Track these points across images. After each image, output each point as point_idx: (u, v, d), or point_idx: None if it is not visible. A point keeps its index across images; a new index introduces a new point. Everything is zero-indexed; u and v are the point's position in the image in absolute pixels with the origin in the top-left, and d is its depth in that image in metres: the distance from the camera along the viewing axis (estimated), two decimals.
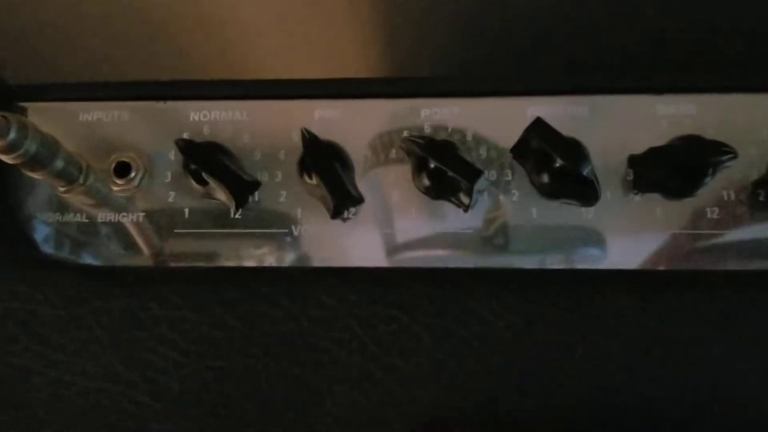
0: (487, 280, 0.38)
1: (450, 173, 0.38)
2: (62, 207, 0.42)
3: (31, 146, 0.36)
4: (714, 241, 0.39)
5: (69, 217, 0.42)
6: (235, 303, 0.37)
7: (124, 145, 0.43)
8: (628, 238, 0.40)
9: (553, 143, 0.37)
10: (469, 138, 0.41)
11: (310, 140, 0.39)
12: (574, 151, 0.38)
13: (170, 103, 0.43)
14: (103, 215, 0.42)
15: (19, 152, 0.36)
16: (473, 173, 0.37)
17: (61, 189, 0.42)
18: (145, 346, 0.37)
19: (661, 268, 0.39)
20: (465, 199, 0.39)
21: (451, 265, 0.40)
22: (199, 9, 0.50)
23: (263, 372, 0.36)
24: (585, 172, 0.37)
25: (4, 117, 0.35)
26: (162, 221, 0.41)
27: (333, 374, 0.36)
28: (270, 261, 0.40)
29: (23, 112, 0.44)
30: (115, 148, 0.43)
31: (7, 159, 0.36)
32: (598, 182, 0.38)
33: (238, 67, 0.48)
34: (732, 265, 0.39)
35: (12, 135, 0.35)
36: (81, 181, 0.42)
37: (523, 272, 0.38)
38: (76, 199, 0.42)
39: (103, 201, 0.42)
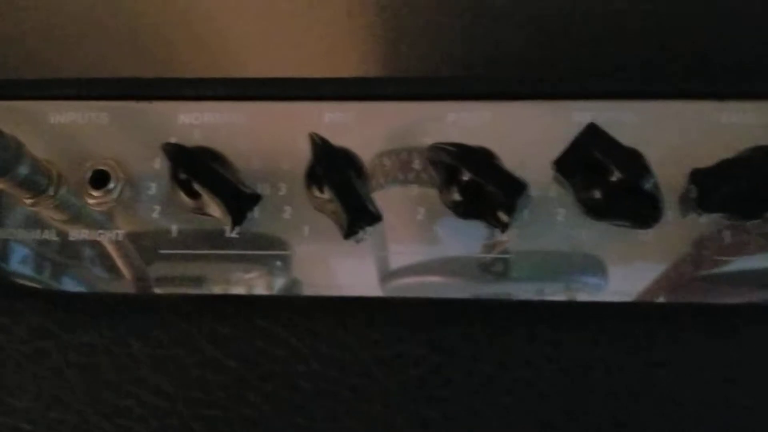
0: (527, 314, 0.32)
1: (488, 187, 0.32)
2: (27, 222, 0.36)
3: None
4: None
5: (35, 234, 0.36)
6: (230, 339, 0.31)
7: (102, 152, 0.37)
8: (687, 265, 0.34)
9: (611, 153, 0.32)
10: (501, 147, 0.35)
11: (322, 147, 0.34)
12: (635, 162, 0.32)
13: (156, 104, 0.37)
14: (76, 232, 0.36)
15: None
16: (516, 187, 0.32)
17: (27, 201, 0.36)
18: (123, 391, 0.30)
19: (732, 301, 0.33)
20: (504, 217, 0.33)
21: (484, 295, 0.34)
22: (185, 4, 0.44)
23: (263, 423, 0.30)
24: (647, 187, 0.32)
25: None
26: (145, 240, 0.35)
27: (348, 427, 0.30)
28: (271, 289, 0.34)
29: None
30: (91, 154, 0.37)
31: None
32: (660, 199, 0.33)
33: (233, 64, 0.42)
34: None
35: None
36: (51, 192, 0.36)
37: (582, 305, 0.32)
38: (45, 213, 0.36)
39: (77, 216, 0.36)
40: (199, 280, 0.34)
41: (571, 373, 0.31)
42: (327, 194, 0.33)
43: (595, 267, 0.34)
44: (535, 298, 0.34)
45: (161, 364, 0.31)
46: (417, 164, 0.36)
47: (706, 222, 0.34)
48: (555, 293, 0.34)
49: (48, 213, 0.36)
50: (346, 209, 0.32)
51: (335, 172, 0.33)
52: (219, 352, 0.31)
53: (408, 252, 0.35)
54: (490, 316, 0.33)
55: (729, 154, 0.35)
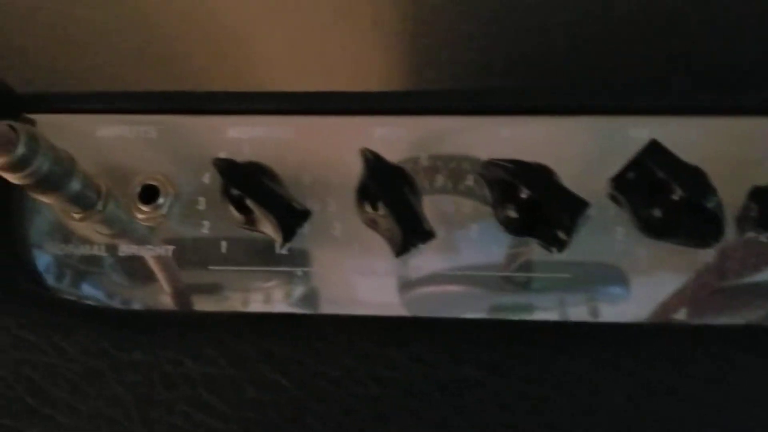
0: (587, 334, 0.31)
1: (548, 205, 0.31)
2: (76, 238, 0.36)
3: (42, 164, 0.30)
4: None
5: (84, 250, 0.35)
6: (286, 359, 0.30)
7: (151, 166, 0.36)
8: (750, 287, 0.33)
9: (673, 171, 0.31)
10: (555, 163, 0.35)
11: (375, 162, 0.33)
12: (698, 180, 0.31)
13: (205, 118, 0.37)
14: (125, 248, 0.35)
15: (28, 170, 0.29)
16: (578, 206, 0.31)
17: (76, 216, 0.35)
18: (176, 410, 0.30)
19: None
20: (563, 236, 0.32)
21: (541, 317, 0.33)
22: (233, 18, 0.44)
23: None
24: (710, 206, 0.31)
25: (11, 127, 0.29)
26: (194, 256, 0.35)
27: None
28: (324, 307, 0.33)
29: (32, 124, 0.37)
30: (139, 169, 0.36)
31: (13, 178, 0.30)
32: (723, 218, 0.32)
33: (269, 78, 0.42)
34: None
35: (21, 150, 0.29)
36: (99, 207, 0.35)
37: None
38: (92, 228, 0.36)
39: (125, 231, 0.36)
40: (250, 297, 0.34)
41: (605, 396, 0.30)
42: (381, 211, 0.33)
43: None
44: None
45: (215, 384, 0.30)
46: (469, 179, 0.35)
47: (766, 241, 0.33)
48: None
49: (96, 228, 0.36)
50: (401, 226, 0.32)
51: (390, 188, 0.32)
52: (274, 372, 0.30)
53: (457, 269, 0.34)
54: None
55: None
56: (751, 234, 0.34)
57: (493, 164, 0.33)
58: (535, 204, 0.32)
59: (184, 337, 0.31)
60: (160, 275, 0.35)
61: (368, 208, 0.34)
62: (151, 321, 0.32)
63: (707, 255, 0.34)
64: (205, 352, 0.30)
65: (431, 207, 0.34)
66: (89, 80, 0.38)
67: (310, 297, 0.34)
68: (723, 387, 0.31)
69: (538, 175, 0.32)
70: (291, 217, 0.34)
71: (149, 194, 0.35)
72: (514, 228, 0.34)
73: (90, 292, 0.34)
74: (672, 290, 0.34)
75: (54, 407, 0.30)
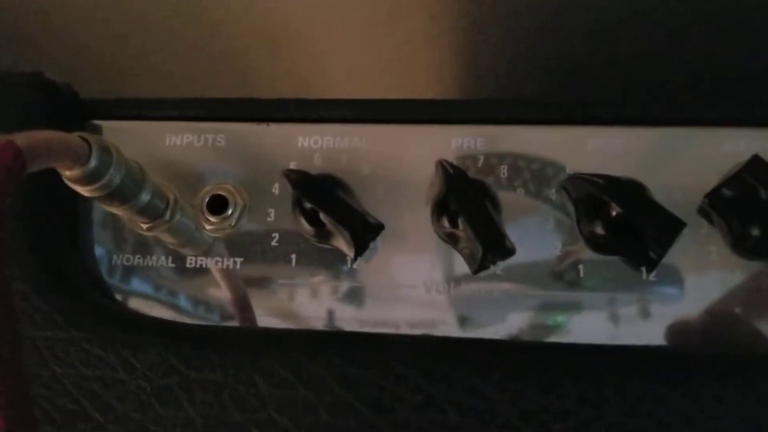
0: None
1: (642, 225, 0.29)
2: (143, 248, 0.35)
3: (114, 177, 0.29)
4: None
5: (151, 261, 0.34)
6: (361, 381, 0.29)
7: (219, 176, 0.35)
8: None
9: None
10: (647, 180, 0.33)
11: (456, 176, 0.31)
12: None
13: (275, 126, 0.36)
14: (192, 260, 0.34)
15: (100, 183, 0.29)
16: (674, 226, 0.29)
17: (144, 226, 0.34)
18: None
19: None
20: (655, 257, 0.30)
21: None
22: (290, 26, 0.43)
23: None
24: None
25: (84, 139, 0.28)
26: (264, 269, 0.34)
27: None
28: (401, 326, 0.32)
29: (98, 131, 0.37)
30: (208, 178, 0.35)
31: (84, 191, 0.29)
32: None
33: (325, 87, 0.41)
34: None
35: (93, 163, 0.28)
36: (167, 217, 0.34)
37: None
38: (160, 238, 0.35)
39: (192, 242, 0.35)
40: (321, 315, 0.33)
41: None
42: (461, 225, 0.31)
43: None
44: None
45: (288, 406, 0.29)
46: (551, 186, 0.33)
47: None
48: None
49: (163, 238, 0.35)
50: (481, 242, 0.30)
51: (470, 202, 0.31)
52: (350, 394, 0.29)
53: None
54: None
55: None
56: None
57: (579, 178, 0.31)
58: (624, 222, 0.30)
59: (257, 356, 0.30)
60: (225, 288, 0.34)
61: (446, 223, 0.32)
62: (222, 338, 0.31)
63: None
64: (278, 372, 0.29)
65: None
66: (157, 87, 0.37)
67: (387, 316, 0.32)
68: None
69: (630, 192, 0.30)
70: (364, 231, 0.32)
71: (218, 204, 0.34)
72: (600, 245, 0.32)
73: (158, 306, 0.33)
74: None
75: (120, 424, 0.29)
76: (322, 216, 0.31)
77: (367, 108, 0.35)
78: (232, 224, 0.34)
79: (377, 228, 0.33)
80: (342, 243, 0.32)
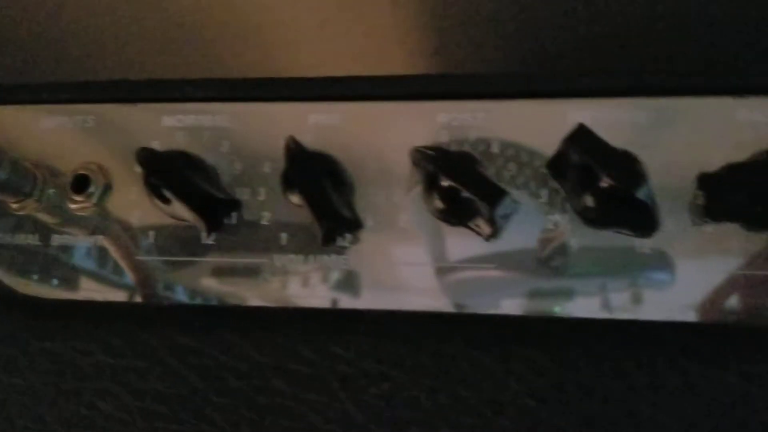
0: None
1: (466, 194, 0.30)
2: (11, 226, 0.36)
3: None
4: None
5: (18, 239, 0.36)
6: (193, 352, 0.30)
7: (87, 156, 0.36)
8: (691, 280, 0.31)
9: (599, 157, 0.29)
10: (495, 149, 0.33)
11: (295, 151, 0.32)
12: (626, 166, 0.29)
13: (142, 106, 0.36)
14: (57, 237, 0.35)
15: None
16: (494, 194, 0.29)
17: (13, 206, 0.36)
18: (84, 401, 0.30)
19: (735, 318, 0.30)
20: (485, 227, 0.31)
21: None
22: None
23: None
24: (640, 194, 0.29)
25: None
26: (122, 246, 0.35)
27: None
28: (246, 298, 0.33)
29: None
30: (77, 158, 0.36)
31: None
32: (655, 207, 0.30)
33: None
34: None
35: None
36: (36, 196, 0.35)
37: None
38: (32, 217, 0.36)
39: (64, 220, 0.36)
40: (169, 288, 0.33)
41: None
42: (299, 200, 0.32)
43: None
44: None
45: (122, 375, 0.30)
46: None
47: (713, 231, 0.31)
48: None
49: (35, 217, 0.36)
50: (317, 216, 0.31)
51: (308, 177, 0.31)
52: (181, 365, 0.30)
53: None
54: None
55: (744, 155, 0.31)
56: (701, 224, 0.32)
57: (419, 151, 0.32)
58: (457, 193, 0.31)
59: (97, 328, 0.30)
60: (89, 265, 0.35)
61: (291, 197, 0.33)
62: (69, 311, 0.32)
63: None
64: (114, 343, 0.30)
65: None
66: (30, 72, 0.38)
67: (233, 290, 0.33)
68: None
69: (459, 164, 0.31)
70: (214, 207, 0.33)
71: (81, 183, 0.35)
72: (445, 217, 0.32)
73: (17, 280, 0.34)
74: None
75: None
76: (165, 192, 0.32)
77: (230, 87, 0.36)
78: (95, 202, 0.35)
79: (231, 204, 0.34)
80: (192, 219, 0.33)
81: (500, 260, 0.32)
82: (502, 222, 0.31)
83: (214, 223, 0.33)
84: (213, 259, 0.34)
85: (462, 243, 0.32)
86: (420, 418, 0.28)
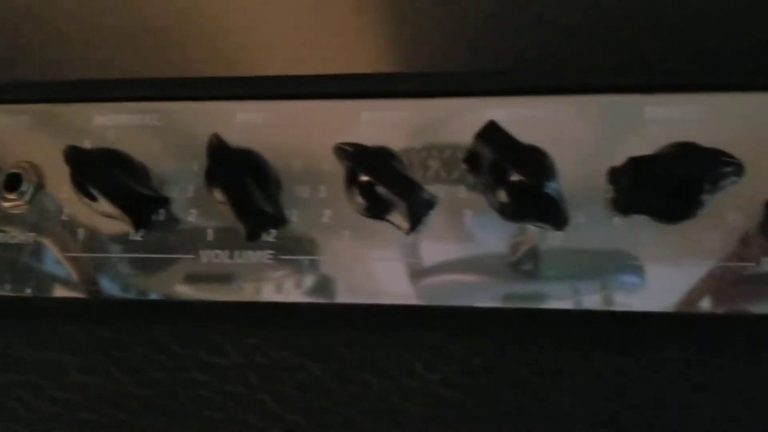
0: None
1: (380, 188, 0.31)
2: None
3: None
4: (741, 275, 0.31)
5: None
6: (115, 345, 0.30)
7: (19, 155, 0.37)
8: (592, 273, 0.32)
9: (507, 152, 0.30)
10: (417, 146, 0.34)
11: (218, 148, 0.33)
12: (534, 161, 0.30)
13: (75, 106, 0.37)
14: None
15: None
16: (408, 188, 0.30)
17: None
18: (10, 394, 0.30)
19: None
20: (402, 222, 0.32)
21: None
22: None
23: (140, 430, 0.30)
24: (547, 189, 0.30)
25: None
26: (54, 243, 0.35)
27: None
28: (175, 292, 0.33)
29: None
30: (9, 157, 0.37)
31: None
32: (562, 201, 0.31)
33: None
34: None
35: None
36: None
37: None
38: None
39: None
40: (95, 283, 0.34)
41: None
42: (220, 197, 0.32)
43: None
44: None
45: (43, 366, 0.30)
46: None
47: (622, 223, 0.32)
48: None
49: None
50: (237, 213, 0.32)
51: (228, 174, 0.32)
52: (104, 358, 0.30)
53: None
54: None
55: (650, 150, 0.32)
56: (613, 216, 0.33)
57: (339, 147, 0.33)
58: (373, 187, 0.32)
59: (20, 322, 0.31)
60: (20, 262, 0.35)
61: (216, 195, 0.34)
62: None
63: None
64: (39, 337, 0.31)
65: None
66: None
67: (163, 284, 0.34)
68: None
69: (374, 159, 0.32)
70: (140, 204, 0.34)
71: (14, 182, 0.36)
72: (366, 212, 0.33)
73: None
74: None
75: None
76: (91, 189, 0.33)
77: (161, 87, 0.37)
78: (27, 200, 0.36)
79: (158, 201, 0.35)
80: (118, 216, 0.34)
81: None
82: (421, 217, 0.32)
83: (140, 220, 0.34)
84: (139, 255, 0.34)
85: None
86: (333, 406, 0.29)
